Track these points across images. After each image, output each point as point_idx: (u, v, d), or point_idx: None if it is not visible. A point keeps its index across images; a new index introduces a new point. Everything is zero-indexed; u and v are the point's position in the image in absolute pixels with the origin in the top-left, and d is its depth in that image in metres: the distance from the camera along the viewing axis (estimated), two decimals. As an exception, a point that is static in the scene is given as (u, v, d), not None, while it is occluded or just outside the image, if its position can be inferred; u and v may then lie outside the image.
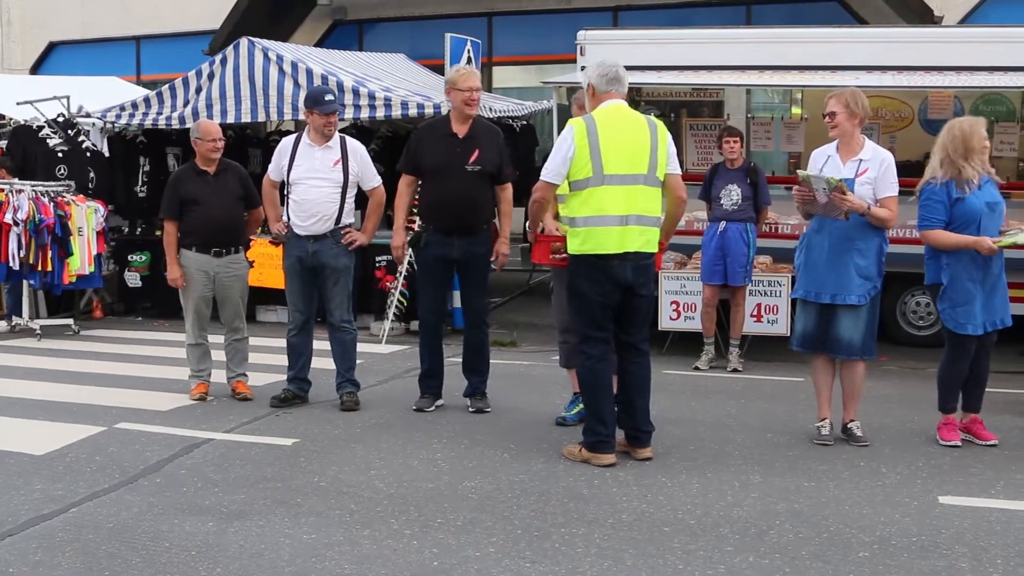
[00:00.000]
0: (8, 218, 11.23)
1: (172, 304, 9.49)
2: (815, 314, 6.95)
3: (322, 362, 8.36)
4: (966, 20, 14.93)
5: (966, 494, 5.93)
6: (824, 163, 6.90)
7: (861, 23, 14.92)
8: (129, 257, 12.97)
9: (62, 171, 12.25)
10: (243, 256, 8.40)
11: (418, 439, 7.04)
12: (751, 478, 6.21)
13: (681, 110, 13.08)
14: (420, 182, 7.86)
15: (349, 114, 11.52)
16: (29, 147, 12.38)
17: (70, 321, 12.01)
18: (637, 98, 12.95)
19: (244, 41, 12.05)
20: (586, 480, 6.15)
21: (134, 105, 12.72)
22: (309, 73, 11.63)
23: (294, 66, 11.74)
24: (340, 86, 11.34)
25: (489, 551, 5.06)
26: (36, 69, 20.83)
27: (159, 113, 12.51)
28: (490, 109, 12.69)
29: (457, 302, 9.14)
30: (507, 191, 7.95)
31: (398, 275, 11.29)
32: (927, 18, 14.05)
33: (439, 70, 12.71)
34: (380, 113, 11.52)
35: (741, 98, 13.02)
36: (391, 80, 12.89)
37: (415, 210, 8.19)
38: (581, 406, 7.64)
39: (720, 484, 6.09)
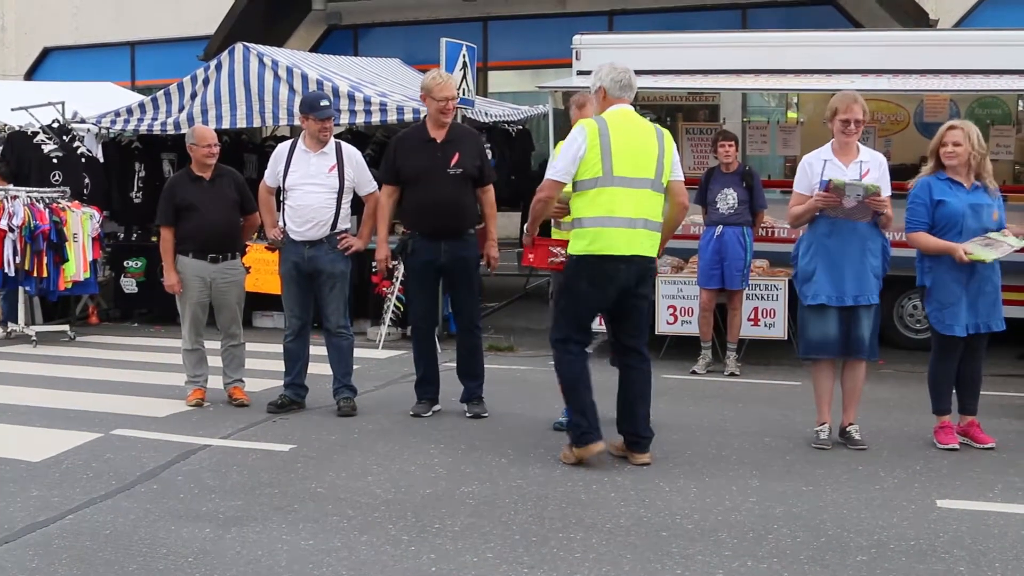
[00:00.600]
0: (3, 224, 11.23)
1: (168, 310, 9.49)
2: (835, 319, 6.91)
3: (319, 367, 8.35)
4: (961, 23, 14.95)
5: (964, 497, 5.93)
6: (823, 167, 6.88)
7: (856, 27, 14.94)
8: (125, 263, 12.96)
9: (57, 177, 12.24)
10: (240, 262, 8.39)
11: (415, 444, 7.03)
12: (749, 482, 6.20)
13: (677, 114, 13.09)
14: (402, 191, 7.85)
15: (344, 119, 11.52)
16: (24, 153, 12.37)
17: (66, 327, 11.99)
18: (632, 102, 12.95)
19: (239, 46, 12.05)
20: (584, 485, 6.14)
21: (129, 111, 12.71)
22: (304, 78, 11.62)
23: (289, 71, 11.73)
24: (335, 91, 11.34)
25: (487, 556, 5.05)
26: (31, 75, 20.81)
27: (154, 119, 12.50)
28: (485, 114, 12.70)
29: (451, 307, 9.13)
30: (489, 193, 7.96)
31: (394, 280, 11.28)
32: (922, 21, 14.07)
33: (435, 74, 12.69)
34: (375, 118, 11.51)
35: (737, 102, 13.03)
36: (386, 85, 12.89)
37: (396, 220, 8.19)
38: None
39: (718, 488, 6.08)
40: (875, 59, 10.35)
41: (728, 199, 9.62)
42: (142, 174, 13.26)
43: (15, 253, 11.27)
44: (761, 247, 10.12)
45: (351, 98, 11.44)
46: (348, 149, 8.04)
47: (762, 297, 10.00)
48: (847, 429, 7.05)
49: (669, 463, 6.63)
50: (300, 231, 7.87)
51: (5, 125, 12.81)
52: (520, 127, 14.79)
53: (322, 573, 4.85)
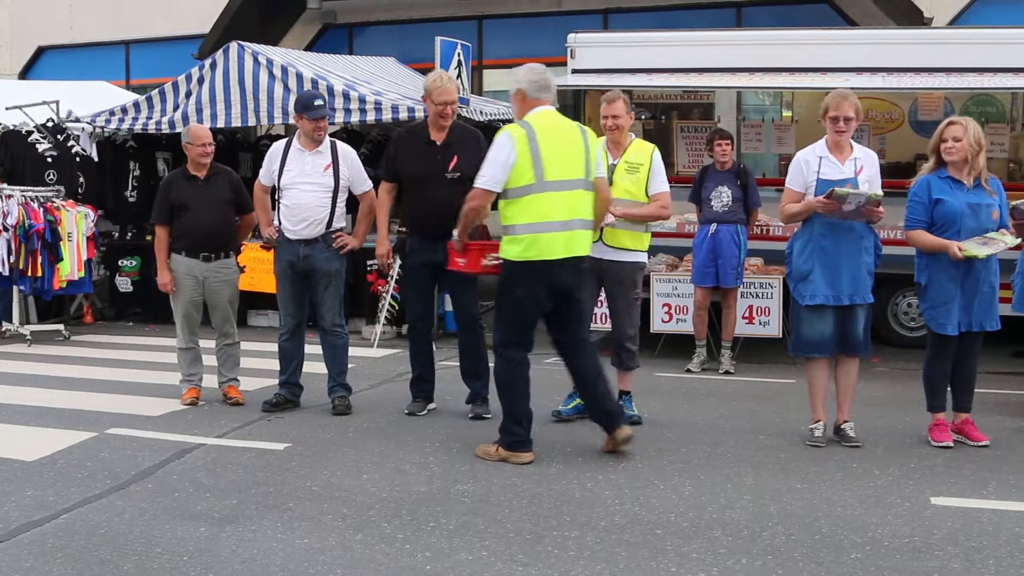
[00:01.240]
0: (-2, 224, 11.21)
1: (163, 309, 9.48)
2: (832, 318, 6.92)
3: (314, 366, 8.34)
4: (956, 21, 14.94)
5: (958, 495, 5.94)
6: (819, 164, 6.88)
7: (851, 25, 14.93)
8: (120, 262, 12.96)
9: (51, 176, 12.23)
10: (233, 261, 8.38)
11: (410, 443, 7.03)
12: (743, 480, 6.21)
13: (672, 112, 13.10)
14: (400, 189, 7.86)
15: (339, 118, 11.52)
16: (18, 152, 12.35)
17: (60, 327, 11.99)
18: (629, 98, 12.95)
19: (234, 45, 12.05)
20: (578, 483, 6.14)
21: (124, 110, 12.71)
22: (299, 77, 11.62)
23: (284, 70, 11.73)
24: (330, 90, 11.33)
25: (482, 555, 5.05)
26: (25, 74, 20.75)
27: (149, 118, 12.50)
28: (480, 112, 12.69)
29: (447, 306, 9.12)
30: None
31: (389, 279, 11.29)
32: (917, 20, 14.06)
33: (429, 73, 12.69)
34: (370, 117, 11.51)
35: (732, 100, 13.03)
36: (381, 84, 12.89)
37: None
38: (577, 401, 7.71)
39: (712, 486, 6.09)
40: (870, 57, 10.36)
41: (722, 197, 9.63)
42: (137, 173, 13.27)
43: (10, 252, 11.26)
44: (755, 245, 10.14)
45: (346, 97, 11.44)
46: (343, 148, 8.04)
47: (757, 295, 10.01)
48: (842, 427, 7.06)
49: (664, 461, 6.63)
50: (295, 230, 7.87)
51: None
52: (515, 126, 14.77)
53: (317, 571, 4.85)
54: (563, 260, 6.45)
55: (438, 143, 7.70)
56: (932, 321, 6.88)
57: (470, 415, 7.76)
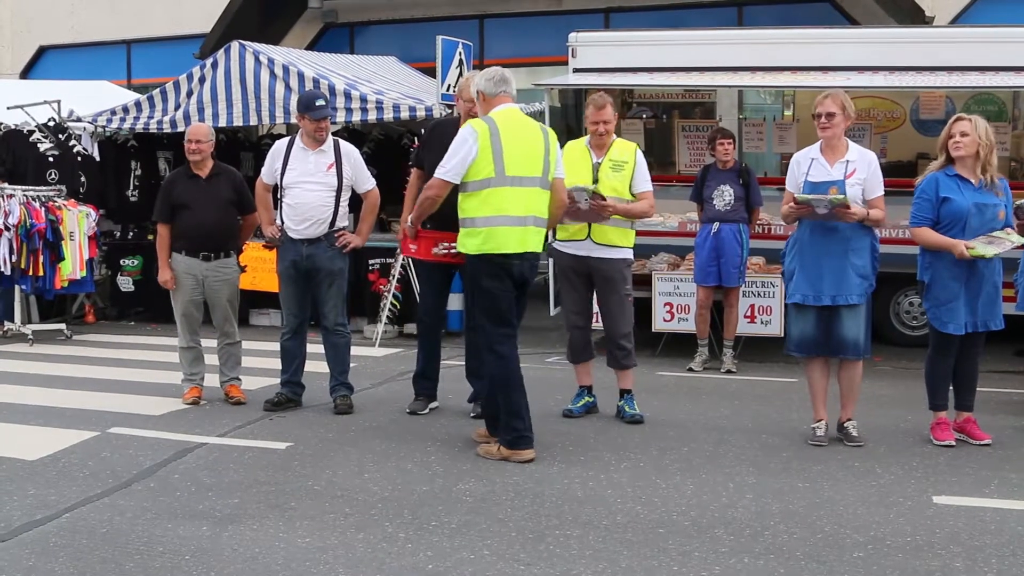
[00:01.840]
0: (-1, 223, 11.22)
1: (165, 308, 9.48)
2: (813, 317, 6.92)
3: (315, 365, 8.34)
4: (957, 20, 14.93)
5: (960, 494, 5.94)
6: (809, 166, 6.89)
7: (852, 23, 14.92)
8: (121, 261, 12.96)
9: (53, 176, 12.23)
10: (234, 261, 8.36)
11: (412, 442, 7.03)
12: (745, 479, 6.21)
13: (673, 111, 13.09)
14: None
15: (341, 117, 11.52)
16: (20, 152, 12.35)
17: (62, 326, 11.99)
18: (629, 100, 12.97)
19: (235, 44, 12.05)
20: (580, 482, 6.14)
21: (125, 109, 12.71)
22: (300, 76, 11.62)
23: (285, 69, 11.73)
24: (332, 89, 11.33)
25: (484, 554, 5.05)
26: (26, 73, 20.75)
27: (150, 117, 12.50)
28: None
29: (452, 305, 9.11)
30: None
31: (391, 278, 11.29)
32: (918, 18, 14.06)
33: (431, 73, 12.70)
34: (372, 116, 11.51)
35: (733, 99, 13.02)
36: (383, 83, 12.88)
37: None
38: (587, 399, 7.74)
39: (715, 485, 6.09)
40: (871, 56, 10.35)
41: (724, 196, 9.63)
42: (138, 172, 13.26)
43: (11, 252, 11.26)
44: (757, 244, 10.13)
45: (347, 96, 11.44)
46: (346, 147, 8.03)
47: (758, 294, 10.00)
48: (844, 425, 7.06)
49: (666, 460, 6.63)
50: (298, 229, 7.86)
51: (1, 124, 12.79)
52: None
53: (319, 571, 4.85)
54: (520, 255, 6.57)
55: None
56: (935, 320, 6.88)
57: (472, 414, 7.75)
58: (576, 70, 10.99)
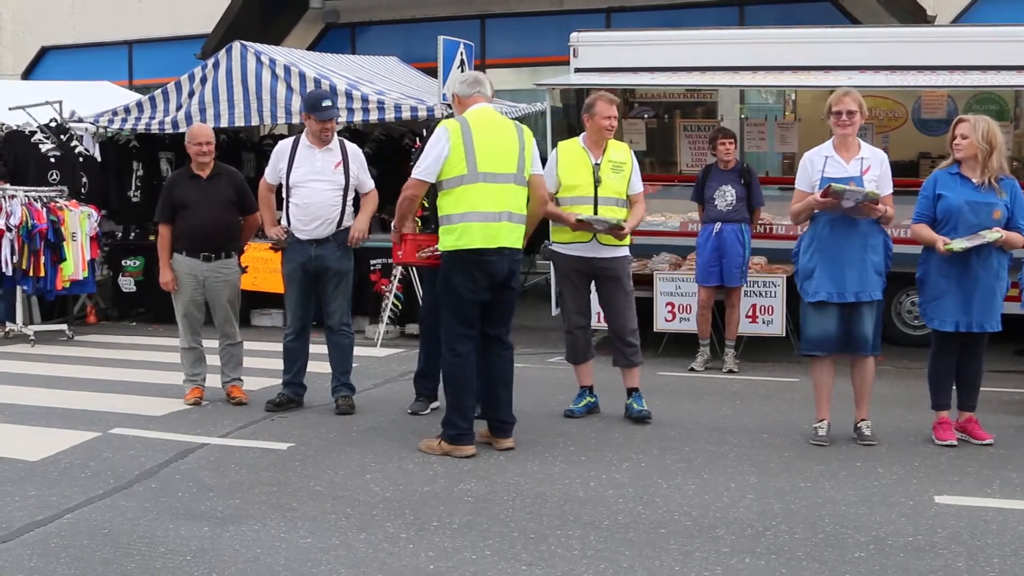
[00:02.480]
0: (1, 224, 11.22)
1: (166, 309, 9.47)
2: (835, 315, 6.92)
3: (317, 366, 8.34)
4: (959, 19, 14.93)
5: (962, 493, 5.93)
6: (824, 163, 6.88)
7: (854, 23, 14.91)
8: (123, 262, 12.96)
9: (55, 176, 12.23)
10: (235, 261, 8.35)
11: (413, 442, 7.02)
12: (747, 479, 6.20)
13: (675, 111, 13.08)
14: None
15: (342, 117, 11.49)
16: (21, 153, 12.37)
17: (64, 327, 11.99)
18: (631, 99, 12.96)
19: (236, 45, 12.05)
20: (582, 482, 6.14)
21: (127, 110, 12.71)
22: (302, 77, 11.62)
23: (287, 70, 11.73)
24: (333, 89, 11.33)
25: (485, 554, 5.05)
26: (28, 74, 20.76)
27: (152, 118, 12.50)
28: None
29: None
30: None
31: (393, 278, 11.29)
32: (920, 17, 14.05)
33: (432, 73, 12.70)
34: (373, 116, 11.51)
35: (734, 99, 13.02)
36: (384, 83, 12.89)
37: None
38: (589, 399, 7.75)
39: (716, 485, 6.08)
40: (873, 55, 10.35)
41: (726, 196, 9.62)
42: (140, 173, 13.27)
43: (13, 252, 11.27)
44: (759, 244, 10.12)
45: (348, 96, 11.44)
46: (351, 147, 8.03)
47: (760, 294, 10.00)
48: (859, 425, 7.07)
49: (667, 460, 6.63)
50: (307, 229, 7.83)
51: (3, 124, 12.80)
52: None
53: (320, 571, 4.85)
54: (493, 250, 6.61)
55: None
56: (924, 315, 6.98)
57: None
58: (577, 70, 10.99)
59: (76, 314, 12.85)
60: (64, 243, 11.44)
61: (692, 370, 9.70)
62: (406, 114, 11.37)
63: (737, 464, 6.53)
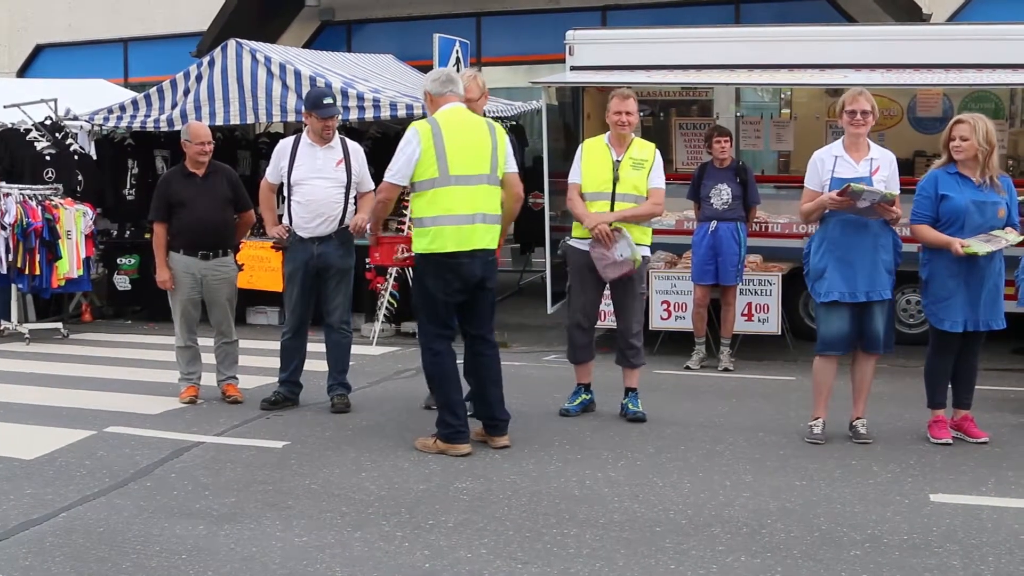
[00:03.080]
0: (-4, 222, 11.20)
1: (161, 307, 9.47)
2: (848, 315, 6.91)
3: (313, 364, 8.33)
4: (954, 17, 14.94)
5: (957, 492, 5.94)
6: (834, 163, 6.89)
7: (850, 21, 14.92)
8: (118, 260, 12.94)
9: (50, 174, 12.21)
10: (231, 259, 8.36)
11: (409, 441, 7.02)
12: (743, 477, 6.21)
13: (670, 109, 13.07)
14: None
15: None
16: (16, 150, 12.33)
17: (59, 325, 11.97)
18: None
19: (232, 43, 12.03)
20: (577, 481, 6.14)
21: (122, 108, 12.69)
22: (297, 75, 11.61)
23: (282, 68, 11.72)
24: (329, 87, 11.32)
25: (481, 552, 5.05)
26: (23, 72, 20.73)
27: (147, 115, 12.49)
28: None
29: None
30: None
31: (388, 277, 11.28)
32: (916, 16, 14.05)
33: (428, 71, 12.67)
34: (369, 114, 11.50)
35: (730, 97, 13.01)
36: (380, 81, 12.88)
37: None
38: (584, 396, 7.74)
39: (711, 483, 6.09)
40: (868, 54, 10.34)
41: (722, 194, 9.62)
42: (135, 171, 13.25)
43: (8, 250, 11.25)
44: (755, 242, 10.13)
45: (344, 94, 11.42)
46: (353, 145, 8.02)
47: (756, 292, 10.00)
48: (854, 423, 7.08)
49: (663, 458, 6.63)
50: (309, 228, 7.81)
51: (-3, 122, 12.79)
52: (513, 123, 14.79)
53: (316, 570, 4.85)
54: (468, 253, 6.62)
55: None
56: (932, 316, 6.90)
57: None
58: (573, 68, 10.98)
59: (71, 312, 12.84)
60: (59, 241, 11.43)
61: (688, 368, 9.71)
62: (402, 112, 11.36)
63: (733, 462, 6.54)
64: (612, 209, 7.46)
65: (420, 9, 17.31)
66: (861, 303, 6.89)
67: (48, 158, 12.30)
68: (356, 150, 7.99)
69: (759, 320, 10.04)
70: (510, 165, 6.91)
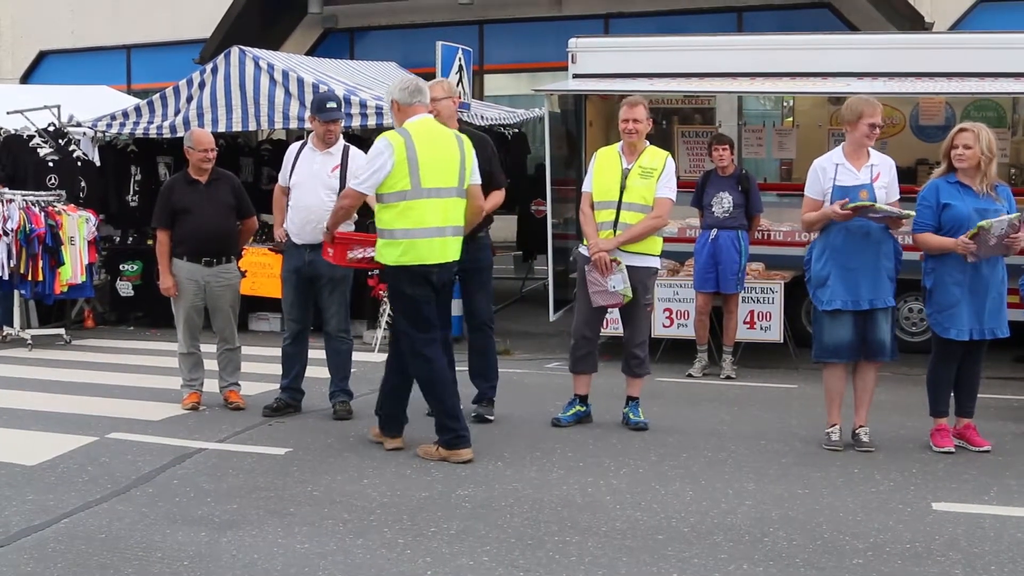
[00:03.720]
0: (-1, 228, 11.21)
1: (164, 313, 9.47)
2: (851, 322, 6.92)
3: (315, 371, 8.34)
4: (956, 26, 14.97)
5: (960, 500, 5.94)
6: (836, 171, 6.91)
7: (852, 30, 14.96)
8: (121, 266, 12.94)
9: (53, 181, 12.22)
10: (234, 266, 8.37)
11: (411, 448, 7.01)
12: (745, 485, 6.20)
13: (673, 117, 13.08)
14: None
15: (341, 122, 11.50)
16: (20, 157, 12.35)
17: (62, 331, 11.98)
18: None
19: (235, 50, 12.05)
20: (579, 488, 6.14)
21: (125, 114, 12.70)
22: (300, 82, 11.62)
23: (285, 75, 11.73)
24: (332, 93, 11.31)
25: (483, 560, 5.04)
26: (26, 78, 20.79)
27: (150, 122, 12.49)
28: (482, 117, 12.69)
29: (457, 310, 9.12)
30: (493, 197, 7.83)
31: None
32: (917, 24, 14.08)
33: (430, 78, 12.66)
34: (372, 121, 11.50)
35: (733, 105, 13.03)
36: (382, 88, 12.85)
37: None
38: (577, 408, 7.72)
39: (714, 492, 6.08)
40: (870, 62, 10.36)
41: (723, 203, 9.62)
42: (138, 177, 13.25)
43: (11, 256, 11.25)
44: (757, 250, 10.12)
45: (347, 102, 11.41)
46: (355, 152, 8.01)
47: (758, 300, 10.00)
48: (857, 431, 7.07)
49: (665, 466, 6.63)
50: (300, 233, 7.84)
51: (1, 129, 12.79)
52: (516, 130, 14.80)
53: (318, 577, 4.85)
54: (440, 264, 6.71)
55: None
56: (936, 325, 6.89)
57: (472, 415, 7.75)
58: (576, 76, 11.00)
59: (74, 318, 12.84)
60: (62, 247, 11.43)
61: (690, 376, 9.70)
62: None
63: (735, 470, 6.53)
64: (618, 218, 7.44)
65: (423, 16, 17.36)
66: (864, 311, 6.90)
67: (51, 164, 12.31)
68: (356, 156, 8.00)
69: (761, 328, 10.03)
70: (475, 177, 6.96)
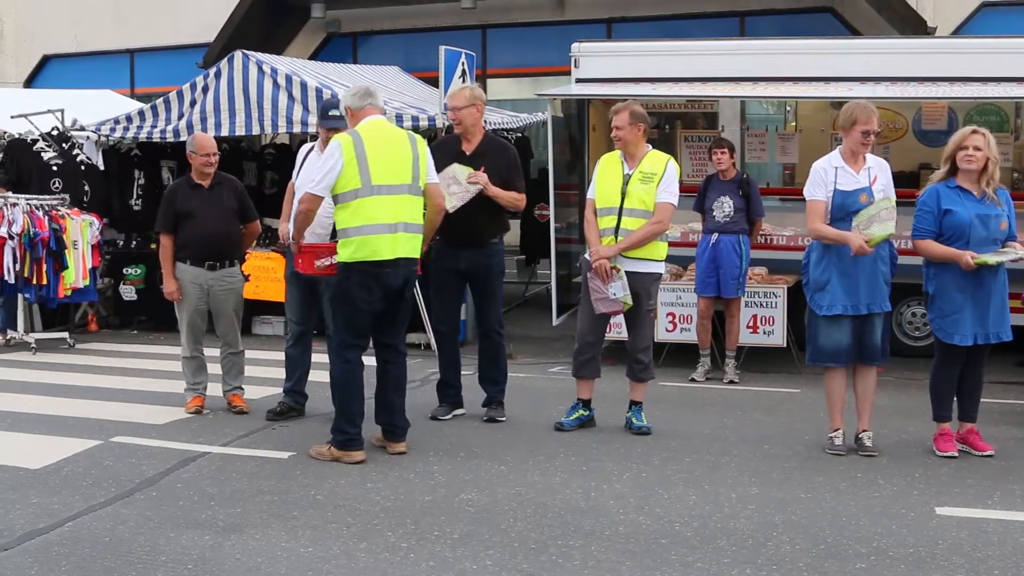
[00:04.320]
0: (3, 232, 11.22)
1: (167, 317, 9.49)
2: (849, 327, 6.93)
3: (317, 375, 8.34)
4: (959, 31, 14.98)
5: (963, 505, 5.94)
6: (836, 175, 6.92)
7: (854, 34, 14.96)
8: (124, 270, 12.95)
9: (57, 185, 12.23)
10: (238, 270, 8.38)
11: (414, 452, 7.03)
12: (748, 490, 6.21)
13: (675, 122, 13.10)
14: None
15: (345, 127, 11.50)
16: (23, 161, 12.35)
17: (65, 335, 11.98)
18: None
19: (238, 54, 12.06)
20: (583, 493, 6.14)
21: (128, 118, 12.71)
22: (303, 86, 11.64)
23: (288, 79, 11.74)
24: (336, 99, 11.32)
25: (486, 564, 5.05)
26: (30, 83, 20.82)
27: (153, 126, 12.50)
28: (484, 121, 12.66)
29: (464, 314, 9.16)
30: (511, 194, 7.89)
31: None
32: (920, 29, 14.09)
33: (433, 82, 12.72)
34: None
35: (735, 110, 13.04)
36: (385, 93, 12.86)
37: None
38: (580, 412, 7.73)
39: (717, 496, 6.09)
40: (873, 67, 10.36)
41: (724, 207, 9.63)
42: (141, 181, 13.26)
43: (15, 260, 11.27)
44: (760, 255, 10.13)
45: (350, 106, 11.44)
46: None
47: (761, 304, 10.00)
48: (860, 436, 7.07)
49: (668, 470, 6.63)
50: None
51: (5, 133, 12.80)
52: (519, 134, 14.81)
53: (321, 580, 4.86)
54: (390, 261, 6.73)
55: (467, 153, 7.82)
56: (940, 331, 6.88)
57: (484, 418, 7.84)
58: (579, 80, 11.01)
59: (77, 322, 12.85)
60: (66, 251, 11.44)
61: (693, 380, 9.70)
62: (407, 124, 11.36)
63: (738, 475, 6.54)
64: (619, 224, 7.44)
65: (426, 21, 17.37)
66: (862, 315, 6.91)
67: (55, 168, 12.32)
68: None
69: (764, 332, 10.03)
70: (431, 176, 7.02)
